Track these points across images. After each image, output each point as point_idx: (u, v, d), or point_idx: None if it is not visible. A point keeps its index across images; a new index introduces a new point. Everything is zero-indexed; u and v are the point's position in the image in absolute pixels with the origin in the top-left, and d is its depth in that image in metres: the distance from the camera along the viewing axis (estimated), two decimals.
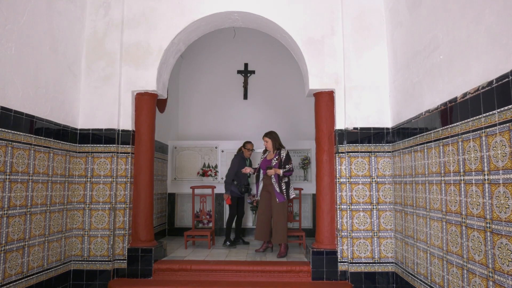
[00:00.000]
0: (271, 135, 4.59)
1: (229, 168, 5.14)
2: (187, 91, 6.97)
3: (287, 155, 4.53)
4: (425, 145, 3.20)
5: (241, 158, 5.08)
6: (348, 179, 4.02)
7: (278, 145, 4.56)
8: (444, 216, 2.91)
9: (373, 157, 4.03)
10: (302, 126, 6.61)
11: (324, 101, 4.24)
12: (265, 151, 4.65)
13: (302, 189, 5.62)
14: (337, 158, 4.16)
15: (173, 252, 4.89)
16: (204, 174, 6.29)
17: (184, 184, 6.32)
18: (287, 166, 4.46)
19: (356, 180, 4.03)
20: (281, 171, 4.43)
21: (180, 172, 6.39)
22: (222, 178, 6.20)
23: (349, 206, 4.00)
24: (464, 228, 2.67)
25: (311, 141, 5.35)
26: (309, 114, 5.86)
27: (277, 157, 4.46)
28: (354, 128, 4.11)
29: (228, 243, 5.03)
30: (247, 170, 4.69)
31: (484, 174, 2.46)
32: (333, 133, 4.23)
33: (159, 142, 5.79)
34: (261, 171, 4.57)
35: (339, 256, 4.02)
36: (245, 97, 6.88)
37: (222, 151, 6.37)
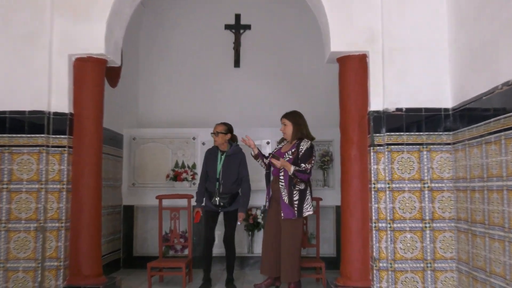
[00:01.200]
0: (293, 117, 4.63)
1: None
2: (152, 56, 7.07)
3: (310, 149, 4.54)
4: (503, 133, 3.22)
5: (211, 151, 5.14)
6: (388, 184, 4.07)
7: (301, 133, 4.61)
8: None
9: (425, 152, 4.07)
10: (319, 107, 6.63)
11: (353, 70, 4.29)
12: (282, 139, 4.73)
13: (321, 200, 5.60)
14: (372, 154, 4.19)
15: None
16: (176, 177, 6.33)
17: (148, 192, 6.37)
18: (302, 165, 4.46)
19: (401, 185, 4.07)
20: (291, 168, 4.44)
21: (142, 175, 6.45)
22: None
23: (389, 224, 4.06)
24: None
25: (334, 129, 5.26)
26: (331, 88, 5.81)
27: (294, 149, 4.50)
28: (397, 109, 4.15)
29: (202, 282, 5.05)
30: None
31: None
32: (366, 117, 4.27)
33: (110, 131, 5.83)
34: (272, 169, 4.64)
35: None
36: (237, 64, 6.97)
37: (203, 144, 6.39)
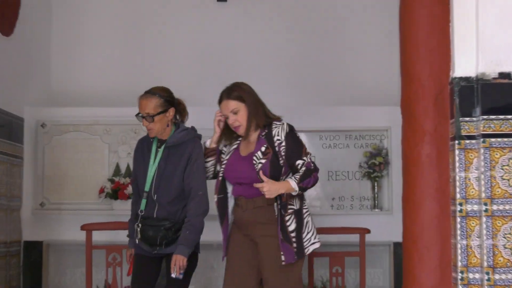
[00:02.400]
0: (245, 94, 4.48)
1: None
2: None
3: (294, 134, 4.45)
4: None
5: (142, 142, 4.91)
6: (485, 205, 3.84)
7: (265, 117, 4.50)
8: None
9: None
10: (362, 72, 6.68)
11: (424, 8, 4.16)
12: (235, 137, 4.56)
13: (369, 232, 5.55)
14: (457, 152, 3.96)
15: None
16: (117, 193, 6.32)
17: (67, 218, 6.38)
18: (298, 161, 4.34)
19: (507, 207, 3.85)
20: (293, 184, 4.23)
21: (57, 189, 6.39)
22: None
23: (488, 274, 3.80)
24: None
25: (391, 111, 5.31)
26: (383, 40, 6.01)
27: (265, 146, 4.34)
28: (502, 75, 3.90)
29: None
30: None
31: None
32: (446, 89, 4.08)
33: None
34: (228, 188, 4.51)
35: None
36: None
37: None
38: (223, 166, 4.42)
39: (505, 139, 3.84)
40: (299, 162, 4.24)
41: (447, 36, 4.03)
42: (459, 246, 3.87)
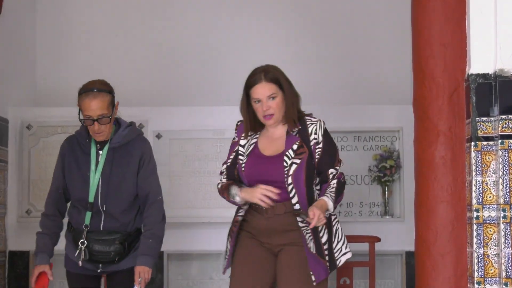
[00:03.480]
0: (281, 76, 4.21)
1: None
2: None
3: (328, 134, 4.19)
4: None
5: (72, 143, 4.44)
6: (504, 211, 3.84)
7: (296, 107, 4.17)
8: None
9: None
10: (374, 70, 6.71)
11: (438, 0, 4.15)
12: (246, 128, 4.17)
13: (379, 241, 5.59)
14: (474, 154, 3.96)
15: None
16: None
17: None
18: (331, 170, 4.04)
19: None
20: (331, 205, 3.94)
21: (44, 195, 6.01)
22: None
23: (507, 285, 3.79)
24: None
25: (403, 110, 5.41)
26: (396, 36, 5.93)
27: (297, 142, 4.02)
28: None
29: None
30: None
31: None
32: (461, 86, 4.09)
33: None
34: (237, 190, 4.03)
35: None
36: None
37: (158, 137, 6.60)
38: (242, 168, 3.99)
39: None
40: (332, 171, 3.96)
41: (463, 30, 4.02)
42: (475, 255, 3.82)
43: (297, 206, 3.87)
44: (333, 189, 3.92)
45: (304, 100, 6.64)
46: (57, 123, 6.39)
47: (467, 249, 3.96)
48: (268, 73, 4.04)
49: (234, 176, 3.99)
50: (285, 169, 3.85)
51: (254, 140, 4.03)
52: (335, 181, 3.94)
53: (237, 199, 3.94)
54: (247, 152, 3.99)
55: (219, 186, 4.01)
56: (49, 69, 6.95)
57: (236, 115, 6.46)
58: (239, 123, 4.08)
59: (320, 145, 3.97)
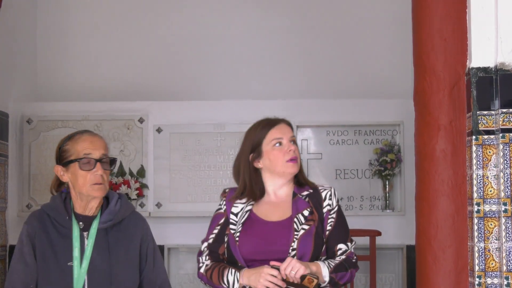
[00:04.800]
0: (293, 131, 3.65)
1: None
2: None
3: (340, 206, 3.68)
4: None
5: (37, 228, 3.33)
6: (505, 204, 3.83)
7: (303, 172, 3.67)
8: None
9: None
10: (375, 65, 6.72)
11: None
12: (249, 192, 3.48)
13: (379, 234, 5.67)
14: (474, 149, 3.95)
15: None
16: None
17: None
18: (341, 246, 3.49)
19: None
20: (325, 271, 3.34)
21: (44, 190, 6.28)
22: (158, 205, 6.51)
23: (508, 279, 3.77)
24: None
25: (403, 104, 5.49)
26: (397, 31, 5.92)
27: (309, 209, 3.44)
28: None
29: None
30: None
31: None
32: (462, 80, 4.07)
33: None
34: (235, 274, 3.29)
35: None
36: None
37: (159, 131, 6.65)
38: (236, 239, 3.29)
39: None
40: (342, 247, 3.43)
41: (463, 23, 4.02)
42: (476, 249, 3.83)
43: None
44: (335, 261, 3.36)
45: (305, 95, 6.64)
46: (57, 117, 6.43)
47: (468, 243, 3.95)
48: (286, 120, 3.51)
49: (218, 256, 3.30)
50: (295, 236, 3.26)
51: (249, 207, 3.38)
52: (343, 257, 3.40)
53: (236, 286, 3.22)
54: (242, 220, 3.34)
55: (202, 269, 3.28)
56: (50, 63, 6.94)
57: (236, 108, 6.45)
58: (227, 190, 3.46)
59: (334, 215, 3.47)
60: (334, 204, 3.49)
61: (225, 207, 3.42)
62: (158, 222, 6.28)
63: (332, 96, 6.47)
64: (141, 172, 6.45)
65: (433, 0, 4.16)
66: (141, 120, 6.52)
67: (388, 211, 6.23)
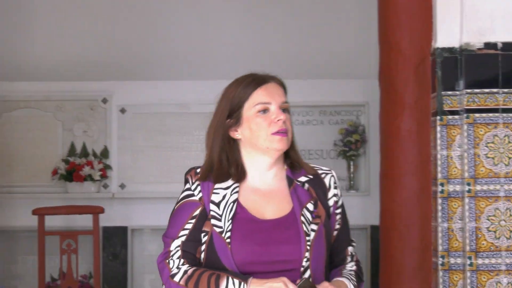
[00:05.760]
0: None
1: None
2: None
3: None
4: None
5: None
6: (469, 185, 3.85)
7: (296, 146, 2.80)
8: None
9: None
10: (340, 45, 6.68)
11: None
12: (206, 167, 2.58)
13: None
14: (439, 129, 3.99)
15: None
16: (71, 174, 6.45)
17: (17, 202, 6.53)
18: (351, 249, 2.78)
19: (492, 188, 3.86)
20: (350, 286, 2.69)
21: (6, 171, 6.53)
22: (121, 186, 6.51)
23: (470, 259, 3.83)
24: None
25: (369, 84, 5.45)
26: (362, 10, 6.09)
27: (312, 201, 2.58)
28: (488, 45, 3.91)
29: None
30: None
31: None
32: (427, 60, 4.10)
33: None
34: (239, 284, 2.42)
35: None
36: None
37: (123, 111, 6.73)
38: (227, 241, 2.39)
39: (490, 115, 3.86)
40: (351, 250, 2.68)
41: (429, 1, 4.03)
42: (440, 229, 3.87)
43: None
44: (353, 272, 2.64)
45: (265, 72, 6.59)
46: (19, 97, 6.45)
47: (432, 223, 4.01)
48: (281, 81, 2.63)
49: (194, 258, 2.40)
50: (307, 242, 2.40)
51: (235, 197, 2.46)
52: (353, 263, 2.68)
53: None
54: (231, 215, 2.43)
55: (178, 278, 2.33)
56: (10, 42, 6.85)
57: (200, 88, 6.43)
58: (191, 171, 2.50)
59: (340, 209, 2.64)
60: (339, 194, 2.66)
61: (200, 194, 2.45)
62: (122, 203, 6.39)
63: (297, 76, 6.44)
64: (105, 153, 6.49)
65: None
66: (104, 101, 6.56)
67: (352, 191, 6.33)
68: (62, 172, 6.28)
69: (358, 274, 2.68)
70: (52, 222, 5.64)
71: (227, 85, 2.57)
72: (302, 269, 2.38)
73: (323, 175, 2.65)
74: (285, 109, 2.51)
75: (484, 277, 3.76)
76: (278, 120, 2.40)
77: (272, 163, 2.50)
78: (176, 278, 2.32)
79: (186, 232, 2.40)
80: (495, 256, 3.77)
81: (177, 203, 2.53)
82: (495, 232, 3.78)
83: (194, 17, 6.94)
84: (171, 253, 2.36)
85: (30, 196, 6.26)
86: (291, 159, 2.60)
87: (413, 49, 4.15)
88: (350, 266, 2.65)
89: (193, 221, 2.40)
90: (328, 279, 2.55)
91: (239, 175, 2.47)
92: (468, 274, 3.78)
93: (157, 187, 6.47)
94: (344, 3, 6.72)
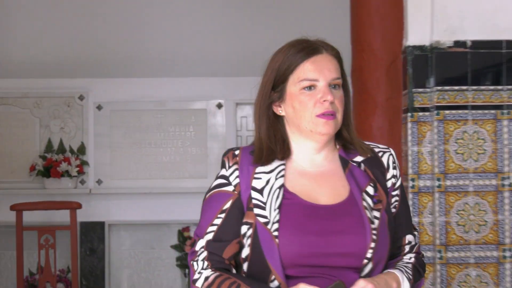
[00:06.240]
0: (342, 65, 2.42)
1: None
2: None
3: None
4: None
5: None
6: (438, 180, 3.91)
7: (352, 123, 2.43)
8: None
9: (506, 122, 3.94)
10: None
11: None
12: (257, 149, 2.19)
13: None
14: (409, 125, 4.03)
15: None
16: (48, 170, 6.50)
17: None
18: (411, 237, 2.31)
19: (461, 183, 3.91)
20: (407, 285, 2.21)
21: None
22: (98, 182, 6.56)
23: (440, 253, 3.87)
24: None
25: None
26: (335, 10, 5.85)
27: (370, 181, 2.19)
28: (458, 44, 3.97)
29: None
30: None
31: None
32: (399, 58, 4.15)
33: None
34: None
35: None
36: None
37: (99, 108, 6.79)
38: (275, 234, 1.99)
39: (460, 111, 3.91)
40: (411, 239, 2.23)
41: (400, 2, 4.07)
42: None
43: None
44: (409, 265, 2.18)
45: (244, 72, 6.54)
46: (1, 94, 6.48)
47: None
48: (331, 48, 2.21)
49: (222, 261, 2.03)
50: (373, 231, 2.01)
51: (280, 182, 2.06)
52: (412, 255, 2.23)
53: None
54: (278, 203, 2.03)
55: (200, 284, 2.01)
56: None
57: (176, 86, 6.44)
58: (237, 152, 2.11)
59: (398, 191, 2.21)
60: (398, 175, 2.23)
61: (236, 180, 2.06)
62: (99, 199, 6.41)
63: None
64: (82, 149, 6.54)
65: None
66: (81, 98, 6.63)
67: None
68: (40, 168, 6.33)
69: (417, 267, 2.23)
70: (30, 217, 5.66)
71: (278, 49, 2.21)
72: (365, 261, 1.98)
73: (380, 154, 2.26)
74: (336, 85, 2.10)
75: (453, 270, 3.81)
76: (324, 101, 2.01)
77: (320, 147, 2.11)
78: (198, 284, 2.00)
79: (214, 228, 2.03)
80: (464, 249, 3.82)
81: (208, 191, 2.13)
82: (464, 226, 3.83)
83: (169, 16, 6.92)
84: (197, 254, 2.03)
85: (8, 192, 6.29)
86: (343, 139, 2.19)
87: (385, 49, 4.18)
88: (408, 258, 2.21)
89: (222, 215, 2.03)
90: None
91: (285, 153, 2.09)
92: (438, 267, 3.83)
93: (134, 183, 6.53)
94: (317, 3, 6.71)
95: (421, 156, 3.99)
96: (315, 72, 2.04)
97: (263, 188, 2.02)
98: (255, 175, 2.03)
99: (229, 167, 2.05)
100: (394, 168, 2.20)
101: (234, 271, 2.03)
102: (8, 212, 5.64)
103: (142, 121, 6.66)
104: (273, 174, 2.04)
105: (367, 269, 1.99)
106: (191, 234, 6.34)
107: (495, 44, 3.90)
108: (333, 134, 2.12)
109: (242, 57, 6.50)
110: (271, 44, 6.93)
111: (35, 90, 6.52)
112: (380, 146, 2.28)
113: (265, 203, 2.00)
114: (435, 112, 3.95)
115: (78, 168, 6.46)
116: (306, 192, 2.06)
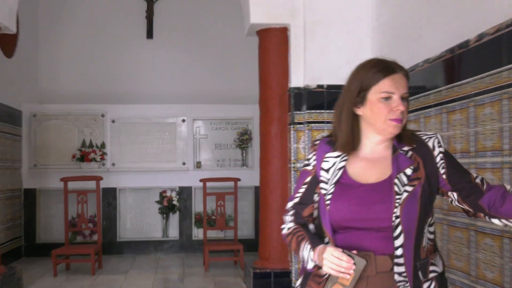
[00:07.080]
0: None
1: None
2: (53, 24, 6.90)
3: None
4: (422, 112, 3.29)
5: None
6: (308, 161, 4.12)
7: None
8: (445, 217, 2.96)
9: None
10: (238, 82, 6.79)
11: (274, 43, 4.44)
12: (330, 141, 1.94)
13: (239, 180, 5.90)
14: (292, 132, 4.32)
15: (34, 283, 4.90)
16: (83, 158, 6.39)
17: (51, 174, 6.38)
18: (476, 174, 1.98)
19: None
20: None
21: (44, 155, 6.46)
22: (113, 164, 6.45)
23: None
24: (473, 234, 2.71)
25: (254, 106, 5.30)
26: (250, 63, 5.80)
27: (412, 164, 1.86)
28: (319, 86, 4.27)
29: None
30: None
31: (503, 155, 2.52)
32: (286, 93, 4.37)
33: (6, 107, 5.80)
34: (310, 252, 1.85)
35: (293, 279, 4.18)
36: (150, 35, 7.00)
37: (113, 122, 6.60)
38: (327, 202, 1.79)
39: (319, 124, 4.29)
40: (475, 174, 1.88)
41: (286, 63, 4.43)
42: (292, 187, 4.25)
43: (399, 270, 1.74)
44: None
45: (197, 100, 6.46)
46: (52, 113, 6.40)
47: (288, 184, 4.37)
48: (404, 70, 1.87)
49: (302, 218, 1.87)
50: (396, 200, 1.75)
51: (342, 164, 1.85)
52: (481, 177, 1.87)
53: (310, 265, 1.80)
54: (335, 180, 1.82)
55: (285, 231, 1.90)
56: (47, 77, 6.76)
57: (158, 108, 6.50)
58: (317, 142, 1.91)
59: (442, 156, 1.84)
60: (444, 150, 1.85)
61: (314, 162, 1.88)
62: (113, 174, 6.45)
63: (214, 101, 6.62)
64: (103, 145, 6.50)
65: (269, 48, 4.49)
66: (102, 115, 6.59)
67: (244, 167, 6.48)
68: (78, 156, 6.31)
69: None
70: (72, 185, 5.74)
71: (358, 65, 1.84)
72: (393, 224, 1.72)
73: (426, 140, 1.89)
74: (404, 99, 1.82)
75: None
76: (397, 110, 1.77)
77: (383, 140, 1.84)
78: (284, 231, 1.87)
79: (300, 194, 1.86)
80: None
81: (302, 167, 1.95)
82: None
83: (156, 67, 6.95)
84: (288, 211, 1.87)
85: (59, 170, 6.23)
86: (400, 134, 1.85)
87: (278, 87, 4.47)
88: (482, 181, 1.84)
89: (305, 186, 1.86)
90: (422, 240, 1.79)
91: (354, 145, 1.84)
92: None
93: (134, 165, 6.46)
94: (240, 61, 6.72)
95: (298, 150, 4.29)
96: (392, 87, 1.78)
97: (329, 168, 1.82)
98: (325, 159, 1.83)
99: (310, 152, 1.88)
100: (440, 146, 1.84)
101: (311, 226, 1.86)
102: (58, 182, 5.82)
103: (138, 129, 6.60)
104: (339, 158, 1.83)
105: (397, 231, 1.72)
106: (167, 194, 6.35)
107: (340, 87, 3.66)
108: (397, 133, 1.83)
109: (196, 91, 6.68)
110: (213, 84, 6.84)
111: (75, 111, 6.45)
112: (428, 133, 1.91)
113: (328, 179, 1.80)
114: (306, 125, 4.28)
115: (101, 156, 6.43)
116: (360, 173, 1.83)
